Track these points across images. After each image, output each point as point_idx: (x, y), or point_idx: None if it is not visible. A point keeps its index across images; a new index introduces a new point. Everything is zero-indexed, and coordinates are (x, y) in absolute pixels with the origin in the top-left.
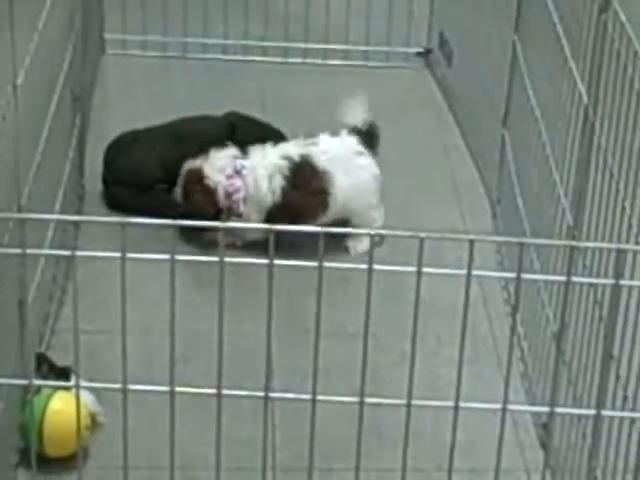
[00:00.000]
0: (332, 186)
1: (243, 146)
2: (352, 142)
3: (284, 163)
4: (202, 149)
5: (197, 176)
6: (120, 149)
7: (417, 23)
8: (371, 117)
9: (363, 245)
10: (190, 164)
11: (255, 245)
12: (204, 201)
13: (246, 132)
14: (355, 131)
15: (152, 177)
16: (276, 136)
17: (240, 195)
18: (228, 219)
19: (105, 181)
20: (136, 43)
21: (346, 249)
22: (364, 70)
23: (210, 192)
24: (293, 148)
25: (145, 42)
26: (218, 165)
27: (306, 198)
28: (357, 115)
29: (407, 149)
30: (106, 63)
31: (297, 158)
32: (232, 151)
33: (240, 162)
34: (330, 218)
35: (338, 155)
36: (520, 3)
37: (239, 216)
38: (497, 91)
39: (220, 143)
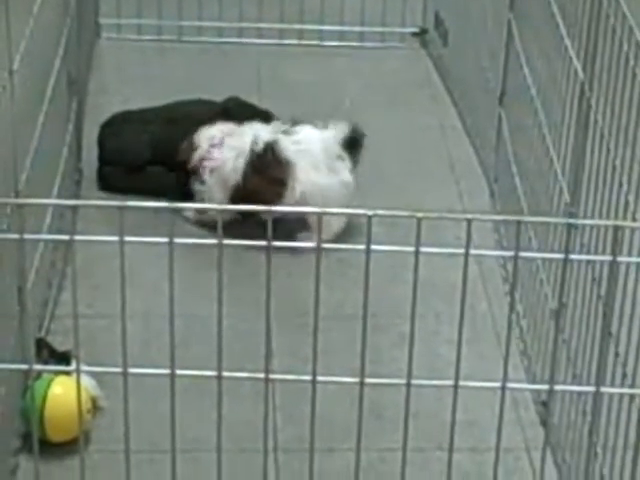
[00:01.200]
0: (292, 178)
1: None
2: (332, 142)
3: (253, 145)
4: (192, 129)
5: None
6: (111, 129)
7: (412, 3)
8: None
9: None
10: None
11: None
12: (183, 153)
13: (242, 118)
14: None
15: (142, 158)
16: (271, 118)
17: (210, 164)
18: (192, 184)
19: (101, 161)
20: (131, 27)
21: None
22: (360, 51)
23: (192, 149)
24: (266, 132)
25: (140, 26)
26: (209, 133)
27: (263, 184)
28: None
29: (404, 129)
30: (101, 47)
31: (262, 144)
32: (231, 126)
33: (227, 137)
34: (290, 204)
35: (311, 149)
36: None
37: (202, 184)
38: (493, 70)
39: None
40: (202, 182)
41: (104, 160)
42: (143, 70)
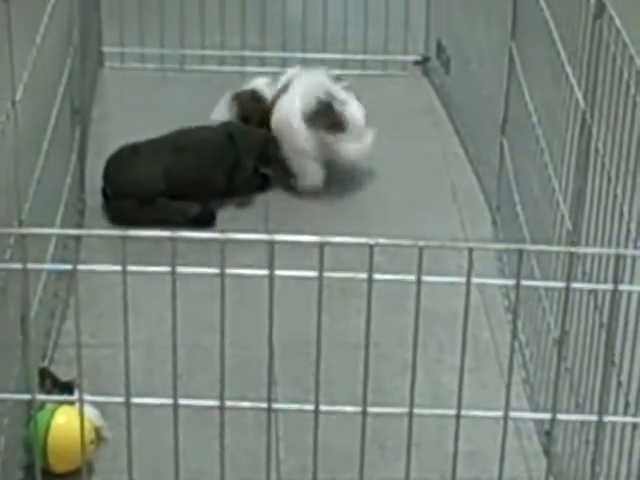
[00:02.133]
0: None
1: (242, 153)
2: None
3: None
4: (203, 158)
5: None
6: (121, 162)
7: (414, 31)
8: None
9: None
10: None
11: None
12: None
13: (244, 140)
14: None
15: (155, 189)
16: (273, 140)
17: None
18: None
19: (105, 194)
20: (134, 56)
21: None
22: (362, 79)
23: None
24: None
25: (143, 54)
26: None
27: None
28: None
29: (406, 157)
30: (105, 76)
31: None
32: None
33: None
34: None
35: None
36: (516, 9)
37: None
38: (495, 98)
39: (221, 153)
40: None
41: (115, 194)
42: (146, 99)
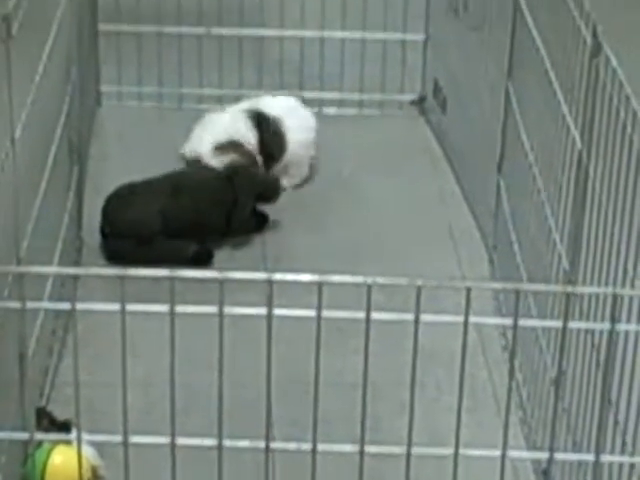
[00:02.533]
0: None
1: (241, 194)
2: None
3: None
4: (201, 200)
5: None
6: (119, 202)
7: (411, 71)
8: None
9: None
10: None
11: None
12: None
13: (244, 181)
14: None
15: (152, 230)
16: (274, 188)
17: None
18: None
19: (103, 233)
20: (132, 94)
21: None
22: (359, 118)
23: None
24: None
25: (141, 93)
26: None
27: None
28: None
29: (403, 196)
30: (102, 114)
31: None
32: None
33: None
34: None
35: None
36: (512, 49)
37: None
38: (491, 137)
39: (219, 195)
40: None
41: (113, 233)
42: (144, 137)
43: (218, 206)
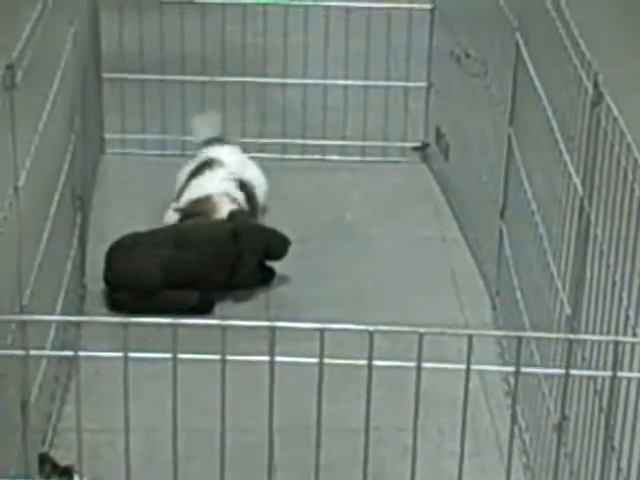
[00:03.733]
0: None
1: (246, 251)
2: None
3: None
4: (204, 255)
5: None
6: (121, 253)
7: (413, 118)
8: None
9: None
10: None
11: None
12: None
13: (249, 238)
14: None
15: (153, 282)
16: (280, 240)
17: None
18: None
19: (107, 281)
20: (135, 142)
21: None
22: (361, 165)
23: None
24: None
25: (144, 141)
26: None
27: None
28: (208, 129)
29: (405, 242)
30: (106, 162)
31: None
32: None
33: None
34: None
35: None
36: (514, 97)
37: None
38: (494, 184)
39: (223, 249)
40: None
41: (115, 284)
42: (147, 185)
43: (222, 260)
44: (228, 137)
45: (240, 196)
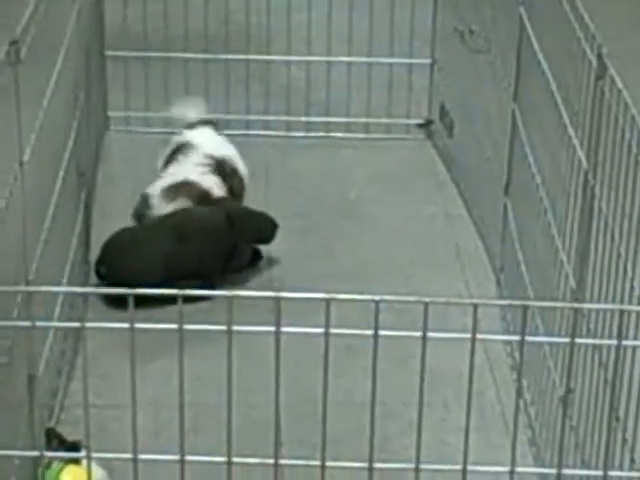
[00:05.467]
0: None
1: (241, 240)
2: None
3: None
4: (204, 248)
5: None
6: (121, 248)
7: (417, 95)
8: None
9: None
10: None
11: None
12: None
13: (244, 225)
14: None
15: (156, 278)
16: (270, 224)
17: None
18: None
19: (100, 275)
20: (139, 119)
21: None
22: (366, 142)
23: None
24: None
25: (148, 118)
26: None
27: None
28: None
29: (410, 219)
30: (110, 139)
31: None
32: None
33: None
34: None
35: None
36: (518, 73)
37: None
38: (498, 160)
39: (221, 240)
40: None
41: (114, 279)
42: (150, 162)
43: (219, 249)
44: (212, 119)
45: (216, 180)
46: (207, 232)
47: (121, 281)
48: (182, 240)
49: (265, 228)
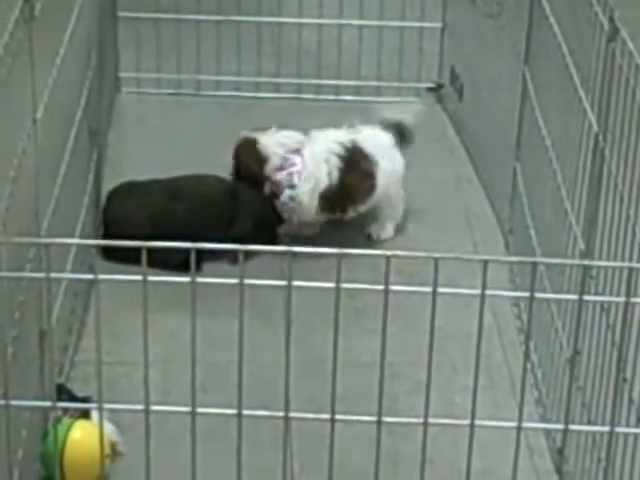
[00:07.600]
0: (378, 170)
1: (241, 214)
2: (386, 135)
3: (338, 147)
4: (196, 213)
5: (250, 143)
6: (115, 200)
7: (428, 58)
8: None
9: (387, 232)
10: (245, 133)
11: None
12: (252, 165)
13: (248, 199)
14: (387, 126)
15: (141, 231)
16: (276, 216)
17: (296, 169)
18: (275, 194)
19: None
20: (150, 81)
21: (369, 237)
22: (376, 105)
23: (260, 159)
24: (342, 135)
25: (159, 80)
26: (279, 139)
27: (359, 180)
28: (397, 113)
29: (420, 182)
30: (121, 100)
31: (348, 143)
32: (293, 133)
33: (300, 141)
34: (369, 205)
35: (379, 144)
36: (529, 35)
37: (293, 188)
38: (508, 123)
39: (218, 208)
40: (292, 187)
41: (106, 231)
42: (162, 123)
43: (215, 218)
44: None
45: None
46: (203, 197)
47: (107, 230)
48: (173, 198)
49: (269, 217)
